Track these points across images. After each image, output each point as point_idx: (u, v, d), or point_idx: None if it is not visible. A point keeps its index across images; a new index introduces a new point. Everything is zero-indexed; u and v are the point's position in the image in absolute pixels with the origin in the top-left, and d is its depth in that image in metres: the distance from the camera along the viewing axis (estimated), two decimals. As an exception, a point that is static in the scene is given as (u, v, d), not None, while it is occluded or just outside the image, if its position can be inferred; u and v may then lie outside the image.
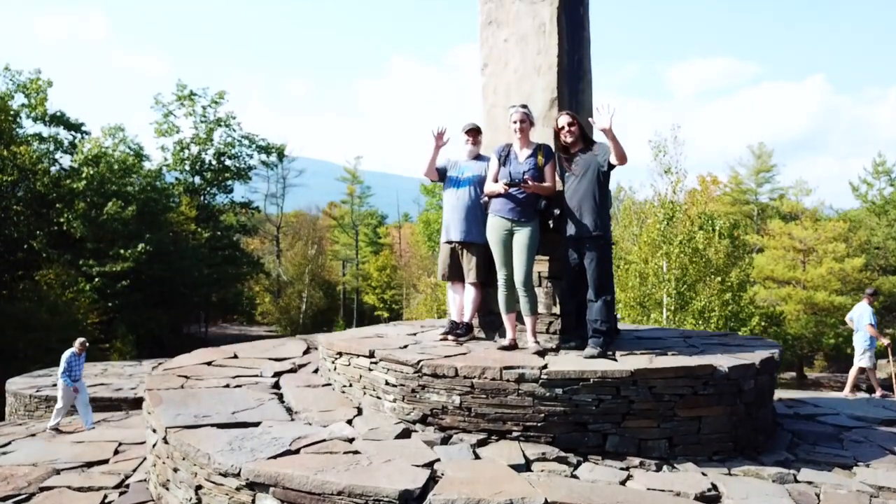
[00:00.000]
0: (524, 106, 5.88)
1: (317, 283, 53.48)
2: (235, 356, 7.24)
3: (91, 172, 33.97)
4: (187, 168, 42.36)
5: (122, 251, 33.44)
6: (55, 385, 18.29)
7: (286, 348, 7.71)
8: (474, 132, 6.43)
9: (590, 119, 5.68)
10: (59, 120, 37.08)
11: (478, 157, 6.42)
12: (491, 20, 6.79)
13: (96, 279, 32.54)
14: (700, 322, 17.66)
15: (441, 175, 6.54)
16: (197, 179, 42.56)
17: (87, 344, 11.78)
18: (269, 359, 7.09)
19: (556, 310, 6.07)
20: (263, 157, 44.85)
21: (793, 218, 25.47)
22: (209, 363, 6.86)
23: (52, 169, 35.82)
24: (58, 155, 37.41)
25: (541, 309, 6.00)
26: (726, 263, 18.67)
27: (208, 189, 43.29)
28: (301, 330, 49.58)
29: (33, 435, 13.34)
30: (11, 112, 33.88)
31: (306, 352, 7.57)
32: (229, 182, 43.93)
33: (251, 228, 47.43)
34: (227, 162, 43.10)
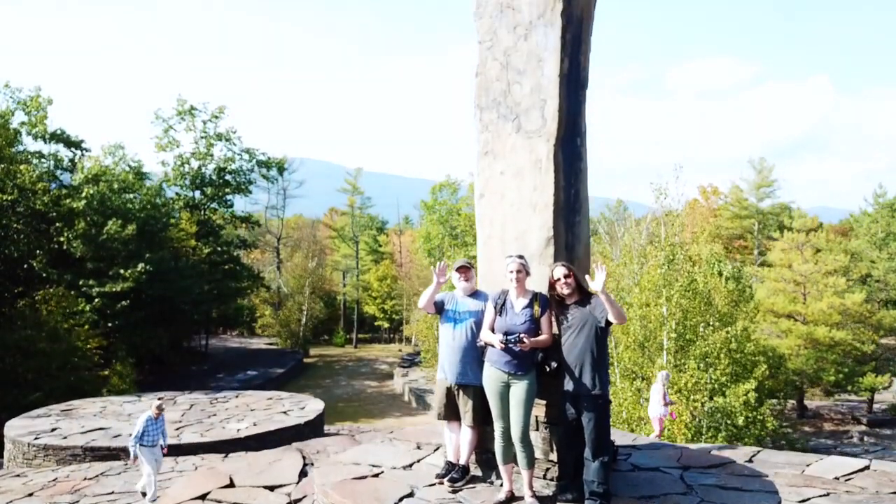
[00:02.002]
0: (521, 256, 5.88)
1: (317, 294, 53.49)
2: (231, 483, 7.16)
3: (91, 192, 33.93)
4: (187, 183, 42.33)
5: (122, 271, 33.41)
6: (54, 430, 18.34)
7: (281, 466, 7.64)
8: (466, 269, 6.38)
9: (586, 278, 5.66)
10: (59, 138, 37.05)
11: (474, 294, 6.39)
12: (487, 150, 6.74)
13: (96, 300, 32.52)
14: (703, 366, 17.62)
15: (438, 308, 6.50)
16: (197, 194, 42.52)
17: (164, 408, 11.25)
18: (265, 487, 7.02)
19: (553, 456, 6.03)
20: (263, 170, 44.83)
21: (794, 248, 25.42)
22: (203, 496, 6.81)
23: (52, 186, 35.75)
24: (58, 172, 37.38)
25: (538, 454, 5.96)
26: (730, 311, 18.55)
27: (208, 204, 43.24)
28: (301, 342, 49.67)
29: (31, 494, 13.33)
30: (11, 130, 33.90)
31: (302, 473, 7.50)
32: (229, 196, 43.92)
33: (251, 243, 47.41)
34: (228, 177, 43.06)
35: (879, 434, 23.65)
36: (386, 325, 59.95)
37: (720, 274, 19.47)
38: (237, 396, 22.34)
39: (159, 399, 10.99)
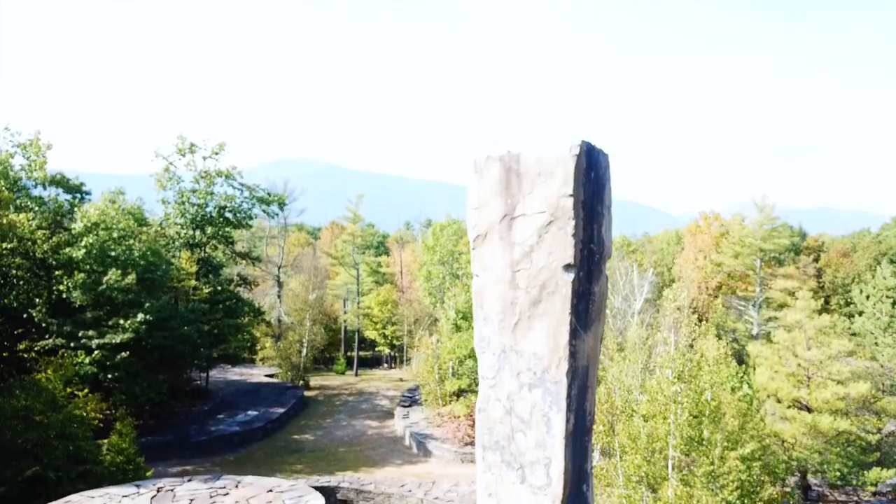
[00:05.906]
0: None
1: (318, 324, 53.30)
2: None
3: (90, 241, 33.66)
4: (188, 220, 41.98)
5: (121, 321, 33.20)
6: (52, 543, 18.26)
7: None
8: None
9: None
10: (59, 182, 36.71)
11: None
12: (491, 493, 6.53)
13: (96, 352, 32.36)
14: (710, 484, 17.45)
15: None
16: (197, 233, 42.18)
17: None
18: None
19: None
20: (264, 206, 44.50)
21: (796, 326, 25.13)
22: None
23: (51, 227, 35.45)
24: (57, 218, 37.07)
25: None
26: (741, 425, 18.31)
27: (209, 241, 42.93)
28: (301, 374, 49.52)
29: None
30: (11, 177, 33.64)
31: None
32: (230, 235, 43.64)
33: (252, 281, 47.20)
34: (228, 214, 42.74)
35: (883, 525, 23.58)
36: (387, 350, 59.91)
37: (732, 390, 19.21)
38: (237, 486, 22.21)
39: None
